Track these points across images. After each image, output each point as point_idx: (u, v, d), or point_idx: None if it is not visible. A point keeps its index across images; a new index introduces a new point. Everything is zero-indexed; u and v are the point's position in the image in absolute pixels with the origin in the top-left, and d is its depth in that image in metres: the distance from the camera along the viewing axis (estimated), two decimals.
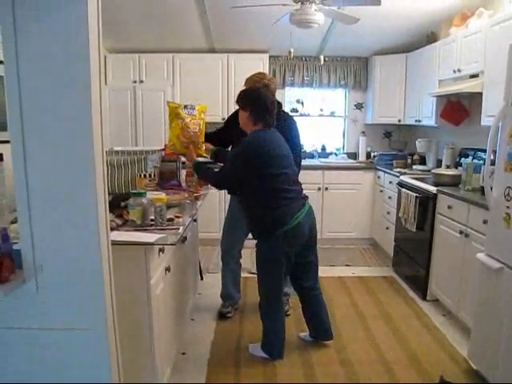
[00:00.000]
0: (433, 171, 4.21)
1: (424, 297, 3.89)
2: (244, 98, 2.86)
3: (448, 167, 4.23)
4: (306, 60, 5.92)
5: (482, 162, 3.69)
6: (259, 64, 5.38)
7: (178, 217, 2.54)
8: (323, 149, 6.25)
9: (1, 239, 1.54)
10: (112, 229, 2.08)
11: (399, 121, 5.60)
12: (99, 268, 1.58)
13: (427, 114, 4.79)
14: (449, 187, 3.69)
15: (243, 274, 3.81)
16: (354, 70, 5.98)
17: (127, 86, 5.34)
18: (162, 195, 2.68)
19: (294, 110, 6.07)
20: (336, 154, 6.15)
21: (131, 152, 3.27)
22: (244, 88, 3.03)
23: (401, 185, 4.46)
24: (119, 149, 3.41)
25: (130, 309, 2.09)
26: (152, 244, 2.12)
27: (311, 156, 6.11)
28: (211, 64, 5.49)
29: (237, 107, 2.93)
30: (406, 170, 4.97)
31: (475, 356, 2.75)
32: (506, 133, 2.48)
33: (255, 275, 3.05)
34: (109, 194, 1.72)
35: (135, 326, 2.14)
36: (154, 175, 3.14)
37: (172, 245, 2.25)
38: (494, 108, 2.97)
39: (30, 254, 1.56)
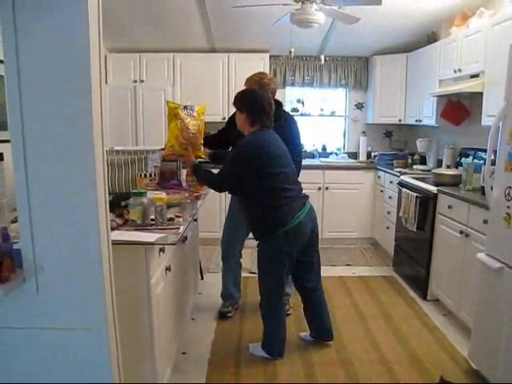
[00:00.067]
0: (433, 171, 4.21)
1: (424, 297, 3.89)
2: (241, 100, 2.87)
3: (448, 167, 4.23)
4: (306, 60, 5.92)
5: (482, 161, 3.69)
6: (260, 64, 5.38)
7: (178, 216, 2.54)
8: (324, 148, 6.25)
9: (1, 239, 1.55)
10: (112, 228, 2.08)
11: (400, 120, 5.60)
12: (99, 267, 1.58)
13: (428, 114, 4.79)
14: (449, 187, 3.69)
15: (243, 274, 3.81)
16: (354, 70, 5.98)
17: (128, 86, 5.34)
18: (162, 195, 2.69)
19: (295, 110, 6.06)
20: (336, 154, 6.15)
21: (132, 151, 3.27)
22: (241, 90, 3.02)
23: (401, 184, 4.46)
24: (120, 148, 3.41)
25: (130, 308, 2.09)
26: (152, 244, 2.12)
27: (312, 156, 6.11)
28: (212, 64, 5.49)
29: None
30: (406, 170, 4.97)
31: (475, 356, 2.75)
32: (507, 133, 2.48)
33: (255, 275, 3.06)
34: (109, 193, 1.72)
35: (135, 326, 2.14)
36: (155, 175, 3.14)
37: (172, 244, 2.25)
38: (495, 108, 2.97)
39: (30, 253, 1.56)
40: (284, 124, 3.24)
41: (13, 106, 1.48)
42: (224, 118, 5.11)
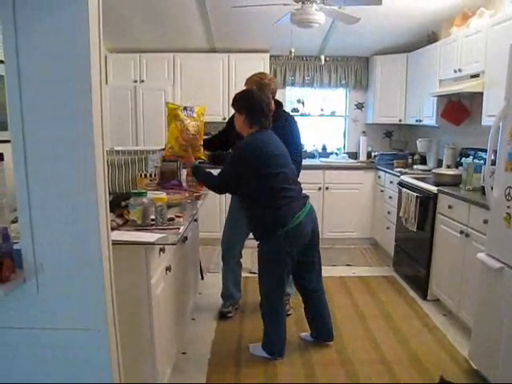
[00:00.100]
0: (433, 171, 4.21)
1: (424, 297, 3.89)
2: (239, 102, 2.87)
3: (449, 167, 4.23)
4: (306, 60, 5.92)
5: (482, 161, 3.69)
6: (260, 64, 5.38)
7: (178, 216, 2.54)
8: (324, 148, 6.24)
9: (1, 239, 1.55)
10: (113, 228, 2.08)
11: (400, 120, 5.60)
12: (100, 268, 1.58)
13: (428, 114, 4.79)
14: (449, 187, 3.69)
15: (244, 274, 3.81)
16: (354, 70, 5.97)
17: (128, 86, 5.34)
18: (162, 195, 2.69)
19: (295, 110, 6.06)
20: (337, 154, 6.15)
21: (132, 152, 3.27)
22: (239, 91, 3.02)
23: (401, 184, 4.46)
24: (120, 148, 3.41)
25: (130, 308, 2.09)
26: (153, 244, 2.12)
27: (312, 156, 6.10)
28: (212, 64, 5.49)
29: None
30: (406, 170, 4.97)
31: (476, 356, 2.75)
32: (507, 133, 2.48)
33: (256, 275, 3.06)
34: (109, 193, 1.72)
35: (136, 326, 2.14)
36: (155, 175, 3.14)
37: (173, 244, 2.25)
38: (495, 108, 2.97)
39: (30, 253, 1.56)
40: (284, 124, 3.24)
41: (13, 106, 1.48)
42: (224, 118, 5.11)
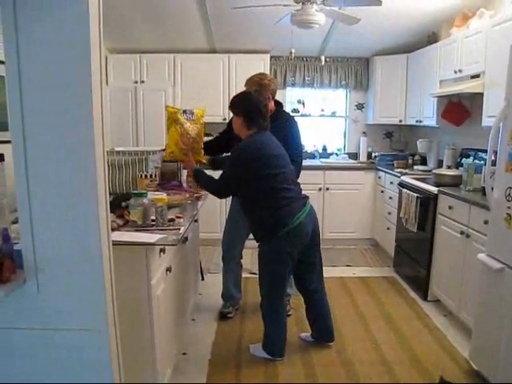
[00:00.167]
0: (434, 171, 4.20)
1: (425, 297, 3.89)
2: (236, 104, 2.87)
3: (449, 167, 4.23)
4: (307, 60, 5.92)
5: (482, 162, 3.69)
6: (260, 64, 5.38)
7: (178, 217, 2.54)
8: (324, 149, 6.25)
9: (2, 239, 1.55)
10: (113, 229, 2.08)
11: (400, 121, 5.60)
12: (100, 268, 1.58)
13: (428, 115, 4.79)
14: (450, 187, 3.69)
15: (244, 275, 3.81)
16: (354, 71, 5.98)
17: (128, 87, 5.35)
18: (163, 195, 2.69)
19: (295, 111, 6.07)
20: (337, 155, 6.15)
21: (132, 152, 3.27)
22: (236, 93, 3.03)
23: (402, 185, 4.46)
24: (120, 149, 3.41)
25: (130, 309, 2.09)
26: (153, 244, 2.12)
27: (312, 156, 6.11)
28: (212, 64, 5.49)
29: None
30: (406, 171, 4.97)
31: (476, 356, 2.75)
32: (507, 133, 2.48)
33: (256, 275, 3.06)
34: (110, 194, 1.72)
35: (136, 326, 2.14)
36: (155, 175, 3.14)
37: (173, 245, 2.25)
38: (495, 108, 2.97)
39: (30, 254, 1.56)
40: (284, 125, 3.24)
41: (13, 107, 1.48)
42: (225, 119, 5.11)
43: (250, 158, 2.72)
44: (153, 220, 2.41)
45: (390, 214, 4.96)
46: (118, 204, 2.55)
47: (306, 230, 2.81)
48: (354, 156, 6.14)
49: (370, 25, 4.60)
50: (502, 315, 2.43)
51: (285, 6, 3.71)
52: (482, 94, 3.64)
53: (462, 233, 3.29)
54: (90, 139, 1.50)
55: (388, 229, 4.98)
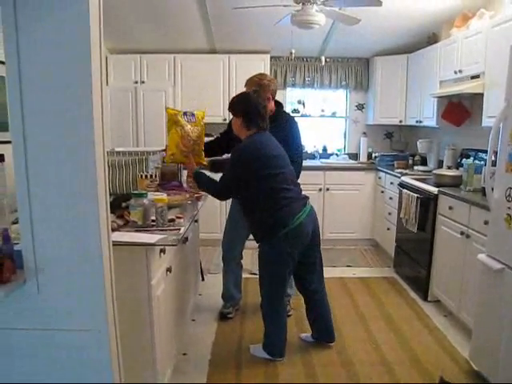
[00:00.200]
0: (434, 172, 4.20)
1: (425, 297, 3.89)
2: (235, 105, 2.88)
3: (449, 168, 4.23)
4: (307, 61, 5.92)
5: (483, 162, 3.69)
6: (260, 65, 5.38)
7: (179, 217, 2.54)
8: (324, 149, 6.25)
9: (2, 240, 1.55)
10: (113, 229, 2.08)
11: (400, 121, 5.60)
12: (100, 268, 1.58)
13: (428, 115, 4.79)
14: (450, 188, 3.69)
15: (244, 275, 3.81)
16: (355, 71, 5.98)
17: (128, 87, 5.35)
18: (163, 196, 2.68)
19: (295, 111, 6.07)
20: (337, 155, 6.15)
21: (132, 153, 3.27)
22: (235, 95, 3.03)
23: (402, 185, 4.46)
24: (120, 149, 3.41)
25: (131, 309, 2.09)
26: (153, 245, 2.12)
27: (312, 157, 6.11)
28: (212, 65, 5.50)
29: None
30: (407, 171, 4.97)
31: (476, 357, 2.75)
32: (507, 134, 2.48)
33: (256, 276, 3.06)
34: (110, 194, 1.72)
35: (136, 327, 2.14)
36: (155, 176, 3.14)
37: (173, 245, 2.25)
38: (495, 109, 2.97)
39: (30, 254, 1.56)
40: (285, 125, 3.25)
41: (14, 107, 1.48)
42: (225, 119, 5.12)
43: (250, 158, 2.72)
44: (153, 220, 2.41)
45: (390, 214, 4.96)
46: (119, 204, 2.55)
47: (306, 231, 2.81)
48: (354, 156, 6.14)
49: (370, 25, 4.60)
50: (502, 315, 2.43)
51: (285, 6, 3.71)
52: (482, 95, 3.64)
53: (462, 233, 3.29)
54: (90, 139, 1.50)
55: (388, 229, 4.98)
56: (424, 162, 5.32)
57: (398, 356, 2.98)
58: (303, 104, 6.15)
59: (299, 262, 2.89)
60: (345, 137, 6.34)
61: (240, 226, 3.34)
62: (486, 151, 3.03)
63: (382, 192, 5.27)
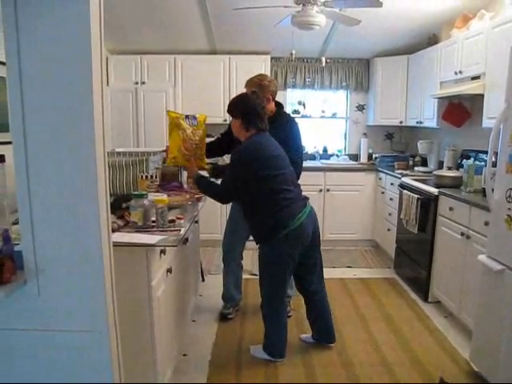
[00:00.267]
0: (434, 173, 4.20)
1: (425, 298, 3.89)
2: (234, 107, 2.88)
3: (449, 169, 4.23)
4: (307, 61, 5.92)
5: (483, 163, 3.69)
6: (261, 65, 5.38)
7: (179, 218, 2.54)
8: (325, 150, 6.25)
9: (2, 240, 1.55)
10: (113, 230, 2.09)
11: (401, 122, 5.60)
12: (100, 269, 1.58)
13: (429, 116, 4.79)
14: (450, 189, 3.69)
15: (244, 276, 3.81)
16: (355, 72, 5.98)
17: (129, 88, 5.35)
18: (163, 196, 2.69)
19: (296, 112, 6.07)
20: (337, 156, 6.15)
21: (133, 153, 3.27)
22: (234, 97, 3.03)
23: (402, 186, 4.46)
24: (121, 150, 3.41)
25: (131, 310, 2.09)
26: (153, 245, 2.12)
27: (313, 157, 6.11)
28: (213, 65, 5.50)
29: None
30: (407, 172, 4.97)
31: (477, 358, 2.75)
32: (508, 135, 2.48)
33: (256, 276, 3.06)
34: (110, 195, 1.72)
35: (136, 328, 2.14)
36: (156, 176, 3.14)
37: (173, 246, 2.26)
38: (496, 110, 2.97)
39: (31, 255, 1.56)
40: (285, 126, 3.24)
41: (14, 106, 1.48)
42: (225, 120, 5.10)
43: (250, 160, 2.72)
44: (153, 221, 2.41)
45: (390, 215, 4.96)
46: (119, 205, 2.55)
47: (307, 232, 2.81)
48: (354, 157, 6.14)
49: (370, 26, 4.60)
50: (503, 316, 2.43)
51: (285, 7, 3.71)
52: (482, 96, 3.64)
53: (462, 234, 3.29)
54: (90, 138, 1.50)
55: (388, 230, 4.98)
56: (424, 162, 5.32)
57: (398, 357, 2.98)
58: (303, 105, 6.15)
59: (299, 263, 2.89)
60: (345, 138, 6.34)
61: (240, 226, 3.34)
62: (486, 152, 3.03)
63: (383, 193, 5.27)
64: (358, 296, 4.05)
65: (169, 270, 2.44)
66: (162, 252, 2.28)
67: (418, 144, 5.16)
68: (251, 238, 3.10)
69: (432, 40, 4.90)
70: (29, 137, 1.50)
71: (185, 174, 3.35)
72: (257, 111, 2.81)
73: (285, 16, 3.85)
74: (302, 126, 3.74)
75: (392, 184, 4.93)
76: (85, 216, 1.54)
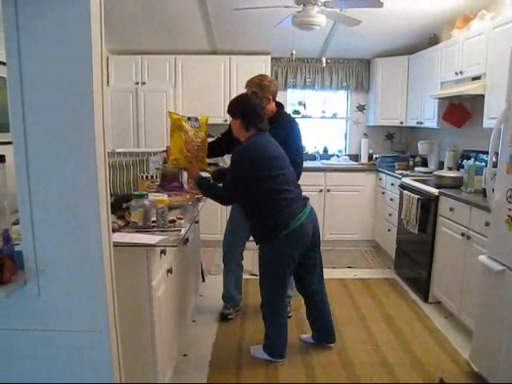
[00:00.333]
0: (435, 173, 4.20)
1: (426, 299, 3.89)
2: (234, 107, 2.88)
3: (450, 169, 4.23)
4: (308, 62, 5.92)
5: (483, 164, 3.69)
6: (261, 66, 5.38)
7: (179, 218, 2.54)
8: (325, 150, 6.25)
9: (3, 240, 1.55)
10: (114, 230, 2.09)
11: (401, 123, 5.60)
12: (101, 269, 1.58)
13: (429, 116, 4.79)
14: (451, 189, 3.69)
15: (245, 276, 3.81)
16: (356, 72, 5.98)
17: (129, 88, 5.35)
18: (164, 197, 2.69)
19: (296, 112, 6.07)
20: (338, 156, 6.15)
21: (133, 153, 3.27)
22: (233, 97, 3.04)
23: (403, 187, 4.46)
24: (121, 150, 3.41)
25: (131, 310, 2.09)
26: (154, 246, 2.12)
27: (313, 158, 6.11)
28: (213, 66, 5.50)
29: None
30: (407, 172, 4.97)
31: (477, 358, 2.75)
32: (508, 135, 2.48)
33: (257, 277, 3.06)
34: (111, 195, 1.72)
35: (137, 328, 2.14)
36: (156, 177, 3.14)
37: (174, 246, 2.25)
38: (496, 110, 2.97)
39: (31, 255, 1.56)
40: (285, 126, 3.24)
41: (15, 105, 1.48)
42: (226, 120, 5.09)
43: (250, 160, 2.72)
44: (154, 221, 2.41)
45: (390, 215, 4.96)
46: (119, 205, 2.55)
47: (307, 232, 2.81)
48: (354, 157, 6.14)
49: (371, 26, 4.60)
50: (503, 317, 2.43)
51: (286, 7, 3.71)
52: (482, 96, 3.64)
53: (462, 234, 3.29)
54: (91, 138, 1.50)
55: (389, 230, 4.98)
56: (425, 163, 5.32)
57: (398, 357, 2.98)
58: (304, 105, 6.15)
59: (299, 263, 2.89)
60: (345, 138, 6.34)
61: (240, 227, 3.34)
62: (486, 152, 3.03)
63: (383, 193, 5.27)
64: (358, 296, 4.04)
65: (169, 271, 2.44)
66: (163, 252, 2.28)
67: (419, 144, 5.16)
68: (251, 238, 3.10)
69: (432, 40, 4.90)
70: (29, 137, 1.50)
71: (185, 174, 3.35)
72: (257, 111, 2.81)
73: (285, 16, 3.85)
74: (303, 126, 3.74)
75: (392, 184, 4.93)
76: (85, 216, 1.54)
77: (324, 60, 5.38)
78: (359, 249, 5.55)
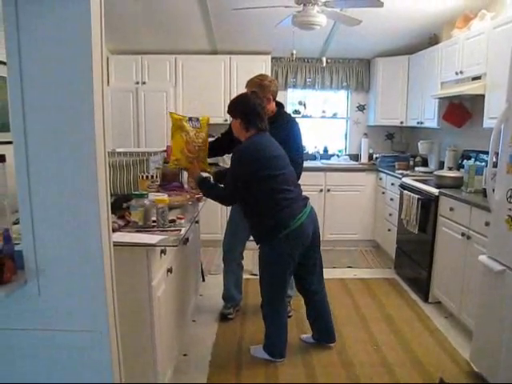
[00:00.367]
0: (435, 173, 4.20)
1: (426, 299, 3.89)
2: (234, 107, 2.88)
3: (450, 169, 4.23)
4: (308, 61, 5.92)
5: (484, 164, 3.69)
6: (261, 65, 5.38)
7: (180, 218, 2.54)
8: (325, 150, 6.25)
9: (3, 240, 1.55)
10: (114, 230, 2.09)
11: (401, 123, 5.60)
12: (101, 269, 1.58)
13: (429, 116, 4.79)
14: (451, 189, 3.68)
15: (245, 276, 3.81)
16: (356, 72, 5.98)
17: (129, 88, 5.34)
18: (164, 196, 2.69)
19: (297, 112, 6.06)
20: (338, 156, 6.15)
21: (133, 153, 3.27)
22: (233, 97, 3.04)
23: (403, 187, 4.46)
24: (121, 150, 3.41)
25: (131, 310, 2.09)
26: (154, 245, 2.12)
27: (313, 157, 6.11)
28: (213, 65, 5.50)
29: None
30: (408, 172, 4.97)
31: (477, 358, 2.75)
32: (509, 135, 2.48)
33: (257, 276, 3.06)
34: (111, 195, 1.72)
35: (137, 327, 2.14)
36: (156, 176, 3.14)
37: (174, 246, 2.25)
38: (497, 110, 2.97)
39: (31, 255, 1.56)
40: (286, 126, 3.24)
41: (15, 105, 1.48)
42: (226, 120, 5.09)
43: (250, 160, 2.72)
44: (154, 221, 2.41)
45: (390, 215, 4.96)
46: (119, 205, 2.55)
47: (307, 232, 2.81)
48: (355, 157, 6.14)
49: (371, 26, 4.60)
50: (503, 317, 2.43)
51: (286, 7, 3.71)
52: (483, 96, 3.64)
53: (462, 234, 3.29)
54: (91, 138, 1.50)
55: (389, 230, 4.98)
56: (425, 163, 5.32)
57: (398, 357, 2.98)
58: (304, 105, 6.14)
59: (299, 263, 2.89)
60: (346, 138, 6.34)
61: (241, 227, 3.34)
62: (487, 152, 3.02)
63: (383, 193, 5.27)
64: (359, 296, 4.04)
65: (169, 270, 2.44)
66: (163, 252, 2.28)
67: (419, 144, 5.16)
68: (251, 237, 3.10)
69: (433, 40, 4.90)
70: (29, 136, 1.50)
71: (185, 174, 3.35)
72: (257, 111, 2.81)
73: (285, 16, 3.85)
74: (303, 126, 3.74)
75: (392, 184, 4.93)
76: (85, 216, 1.54)
77: (324, 60, 5.38)
78: (359, 249, 5.55)
